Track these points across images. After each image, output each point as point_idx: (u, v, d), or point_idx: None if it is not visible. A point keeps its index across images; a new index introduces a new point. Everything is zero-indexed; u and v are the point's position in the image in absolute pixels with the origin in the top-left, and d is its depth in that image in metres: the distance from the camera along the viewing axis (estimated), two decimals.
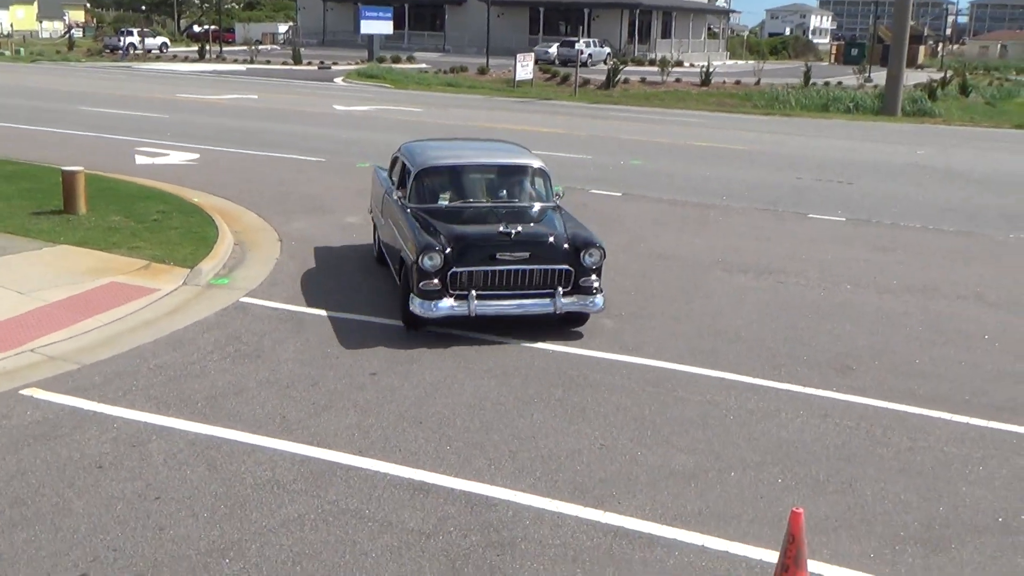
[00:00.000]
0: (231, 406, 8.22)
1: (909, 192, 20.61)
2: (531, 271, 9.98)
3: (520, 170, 11.53)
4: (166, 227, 14.18)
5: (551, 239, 10.14)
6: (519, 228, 10.06)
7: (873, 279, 13.11)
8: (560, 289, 9.99)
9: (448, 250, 9.80)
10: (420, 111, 34.51)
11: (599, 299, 10.13)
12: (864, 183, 21.50)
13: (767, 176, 21.95)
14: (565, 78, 49.82)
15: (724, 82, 51.12)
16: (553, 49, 65.83)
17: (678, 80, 50.91)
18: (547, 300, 9.96)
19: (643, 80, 50.53)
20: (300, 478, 7.02)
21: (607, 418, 8.25)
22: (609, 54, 67.96)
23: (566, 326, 10.43)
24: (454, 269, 9.79)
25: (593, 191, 19.16)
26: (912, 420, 8.41)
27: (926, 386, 9.22)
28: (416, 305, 9.81)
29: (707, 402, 8.67)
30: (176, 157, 21.64)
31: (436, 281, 9.74)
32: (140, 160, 21.06)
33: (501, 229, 10.00)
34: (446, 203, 10.86)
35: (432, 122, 30.74)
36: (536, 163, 11.53)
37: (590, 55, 65.22)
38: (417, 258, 9.71)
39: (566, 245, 10.10)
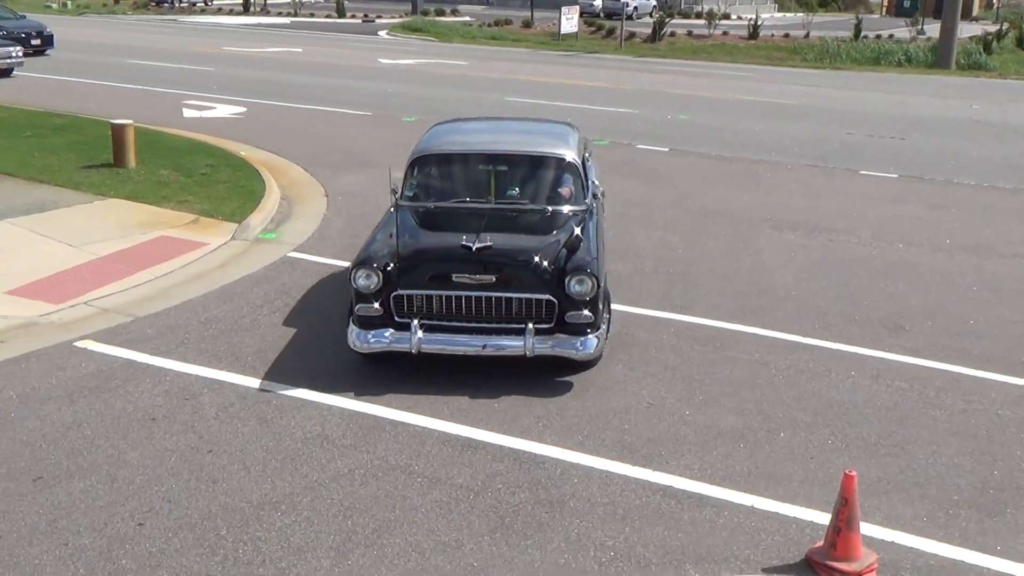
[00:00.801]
0: (281, 360, 8.29)
1: (963, 148, 20.16)
2: (497, 299, 7.81)
3: (541, 162, 9.21)
4: (214, 181, 14.25)
5: (525, 258, 7.86)
6: (488, 242, 7.85)
7: (926, 237, 12.88)
8: (531, 325, 7.72)
9: (390, 266, 7.85)
10: (464, 64, 34.29)
11: (591, 341, 7.82)
12: (917, 138, 21.07)
13: (817, 131, 21.58)
14: (610, 31, 49.17)
15: (772, 35, 50.18)
16: (598, 1, 64.88)
17: (725, 33, 50.07)
18: (518, 338, 7.76)
19: (690, 33, 49.75)
20: (349, 433, 7.07)
21: (655, 377, 8.21)
22: (655, 6, 66.93)
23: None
24: (397, 291, 7.83)
25: (640, 146, 18.96)
26: (966, 382, 8.28)
27: (980, 347, 9.06)
28: (350, 335, 7.92)
29: (756, 361, 8.60)
30: (223, 110, 21.71)
31: (377, 305, 7.82)
32: (187, 113, 21.15)
33: (463, 241, 7.87)
34: (437, 201, 8.98)
35: (476, 75, 30.54)
36: (568, 155, 9.19)
37: (636, 8, 64.29)
38: (350, 275, 7.97)
39: (548, 267, 7.82)
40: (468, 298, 7.80)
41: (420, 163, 9.24)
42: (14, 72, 26.55)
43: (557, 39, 46.22)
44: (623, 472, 6.65)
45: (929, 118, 24.45)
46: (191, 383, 7.82)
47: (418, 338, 7.71)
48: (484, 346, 7.75)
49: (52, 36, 32.30)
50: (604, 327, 8.13)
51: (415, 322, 7.75)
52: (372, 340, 7.80)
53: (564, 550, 5.76)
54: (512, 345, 7.71)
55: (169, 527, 5.86)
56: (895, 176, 16.95)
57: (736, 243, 12.35)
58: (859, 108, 26.00)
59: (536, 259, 7.86)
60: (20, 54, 26.70)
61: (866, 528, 5.90)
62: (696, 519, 6.13)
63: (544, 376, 8.09)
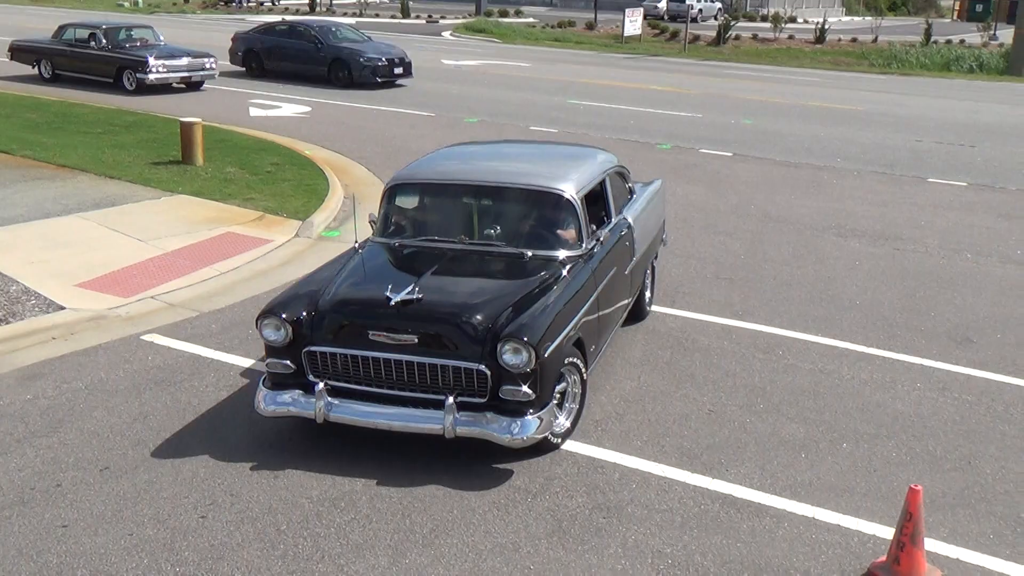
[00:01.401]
0: None
1: None
2: (420, 365, 6.50)
3: (531, 198, 7.69)
4: (279, 179, 14.43)
5: (454, 317, 6.50)
6: (417, 294, 6.56)
7: (996, 248, 12.61)
8: (451, 400, 6.36)
9: (303, 317, 6.72)
10: (527, 66, 34.32)
11: (530, 423, 6.36)
12: (988, 147, 20.64)
13: (884, 138, 21.24)
14: (674, 34, 48.92)
15: (839, 39, 49.52)
16: (662, 4, 64.56)
17: (791, 37, 49.52)
18: (439, 413, 6.44)
19: (755, 36, 49.29)
20: (409, 433, 7.10)
21: (716, 384, 8.14)
22: (720, 9, 66.43)
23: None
24: (309, 347, 6.70)
25: (703, 150, 18.82)
26: None
27: None
28: (257, 393, 6.89)
29: (819, 371, 8.48)
30: (288, 109, 21.98)
31: (288, 362, 6.73)
32: (254, 112, 21.46)
33: (388, 292, 6.60)
34: (405, 239, 7.71)
35: (539, 77, 30.55)
36: (567, 191, 7.53)
37: (700, 10, 63.85)
38: (256, 323, 6.93)
39: (481, 329, 6.41)
40: (386, 361, 6.54)
41: (395, 192, 7.94)
42: (204, 85, 24.97)
43: (620, 41, 46.09)
44: (682, 479, 6.60)
45: (1001, 126, 23.94)
46: (255, 379, 7.92)
47: (324, 404, 6.57)
48: (395, 422, 6.54)
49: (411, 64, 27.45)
50: (554, 405, 6.64)
51: (320, 385, 6.60)
52: (276, 403, 6.74)
53: (621, 556, 5.74)
54: (429, 419, 6.44)
55: (231, 520, 5.95)
56: (964, 184, 16.61)
57: (800, 250, 12.20)
58: (928, 115, 25.54)
59: (467, 318, 6.46)
60: (213, 65, 24.64)
61: (930, 544, 5.79)
62: (755, 529, 6.06)
63: (603, 381, 8.07)
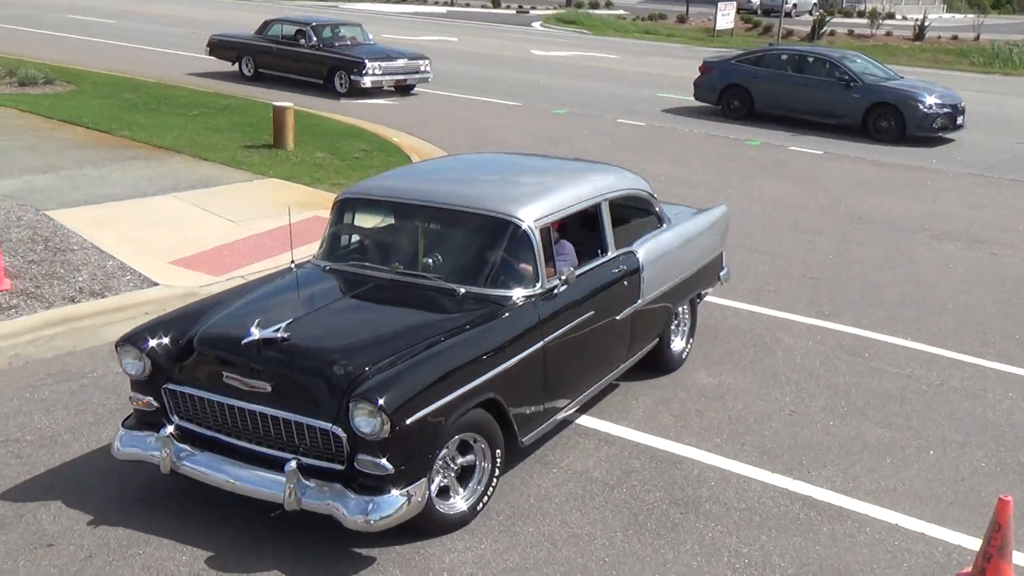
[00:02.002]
0: None
1: None
2: (271, 418, 5.47)
3: (476, 224, 6.47)
4: (367, 165, 14.61)
5: (309, 365, 5.46)
6: (279, 332, 5.51)
7: None
8: (294, 464, 5.30)
9: (165, 346, 5.85)
10: (617, 58, 34.14)
11: (389, 501, 5.22)
12: None
13: (983, 140, 20.63)
14: (767, 28, 48.12)
15: (939, 36, 48.18)
16: None
17: (889, 33, 48.34)
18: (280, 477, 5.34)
19: (851, 32, 48.24)
20: None
21: (799, 384, 8.02)
22: (815, 4, 65.14)
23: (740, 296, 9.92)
24: (167, 384, 5.79)
25: (791, 148, 18.51)
26: None
27: None
28: (117, 435, 5.97)
29: (907, 375, 8.30)
30: (379, 97, 22.21)
31: (151, 399, 5.85)
32: (344, 99, 21.73)
33: (250, 328, 5.55)
34: (335, 263, 6.69)
35: (628, 70, 30.37)
36: (518, 218, 6.28)
37: (795, 4, 62.72)
38: (116, 349, 6.02)
39: (334, 382, 5.33)
40: (240, 410, 5.56)
41: (343, 209, 6.97)
42: (416, 89, 23.40)
43: (712, 35, 45.53)
44: (762, 478, 6.52)
45: None
46: None
47: (172, 451, 5.67)
48: (237, 482, 5.52)
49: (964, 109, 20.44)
50: (434, 481, 5.57)
51: (168, 430, 5.71)
52: (130, 444, 5.86)
53: (697, 553, 5.69)
54: (272, 488, 5.39)
55: None
56: None
57: (890, 251, 11.93)
58: None
59: (326, 368, 5.39)
60: (428, 67, 22.93)
61: (1019, 558, 5.63)
62: (836, 533, 5.96)
63: (684, 376, 8.01)
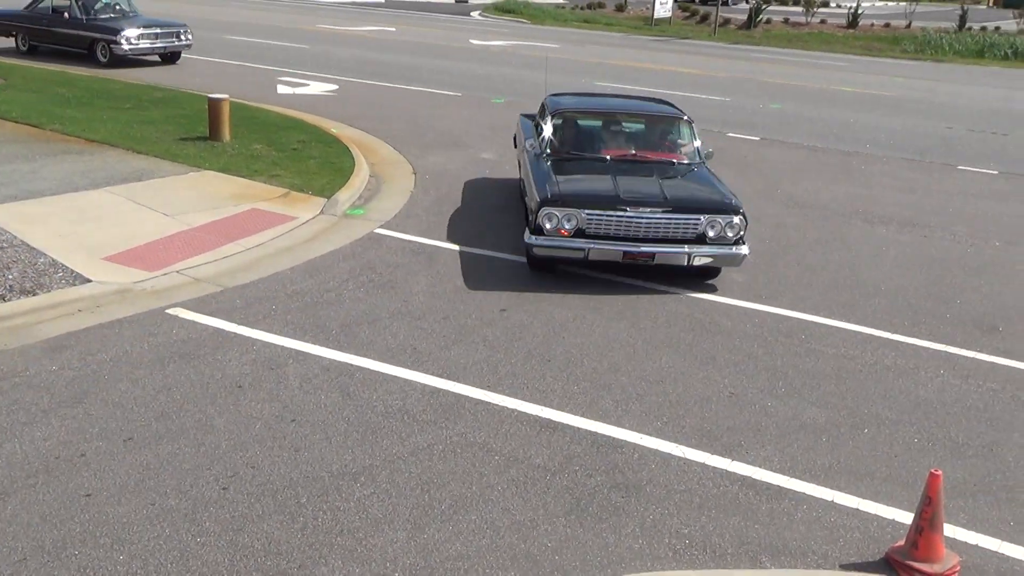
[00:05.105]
0: (364, 335, 8.40)
1: None
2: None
3: None
4: (305, 157, 14.47)
5: None
6: None
7: None
8: None
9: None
10: (556, 47, 34.17)
11: None
12: (1021, 135, 20.38)
13: (915, 124, 21.03)
14: (704, 17, 48.53)
15: (872, 24, 49.01)
16: None
17: (823, 21, 49.04)
18: None
19: (786, 20, 48.86)
20: (430, 409, 7.14)
21: (737, 367, 8.12)
22: None
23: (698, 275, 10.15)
24: None
25: (730, 134, 18.70)
26: None
27: None
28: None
29: (842, 356, 8.44)
30: (316, 87, 22.01)
31: None
32: (281, 90, 21.49)
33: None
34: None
35: (567, 58, 30.40)
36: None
37: None
38: None
39: None
40: None
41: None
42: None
43: (650, 24, 45.78)
44: (702, 460, 6.60)
45: None
46: (277, 354, 7.97)
47: None
48: None
49: None
50: None
51: None
52: None
53: (639, 535, 5.75)
54: None
55: (252, 492, 6.00)
56: (995, 172, 16.44)
57: (825, 235, 12.12)
58: (960, 102, 25.25)
59: None
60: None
61: (949, 530, 5.77)
62: (774, 511, 6.05)
63: (625, 361, 8.07)
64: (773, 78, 28.23)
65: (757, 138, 18.54)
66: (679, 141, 11.43)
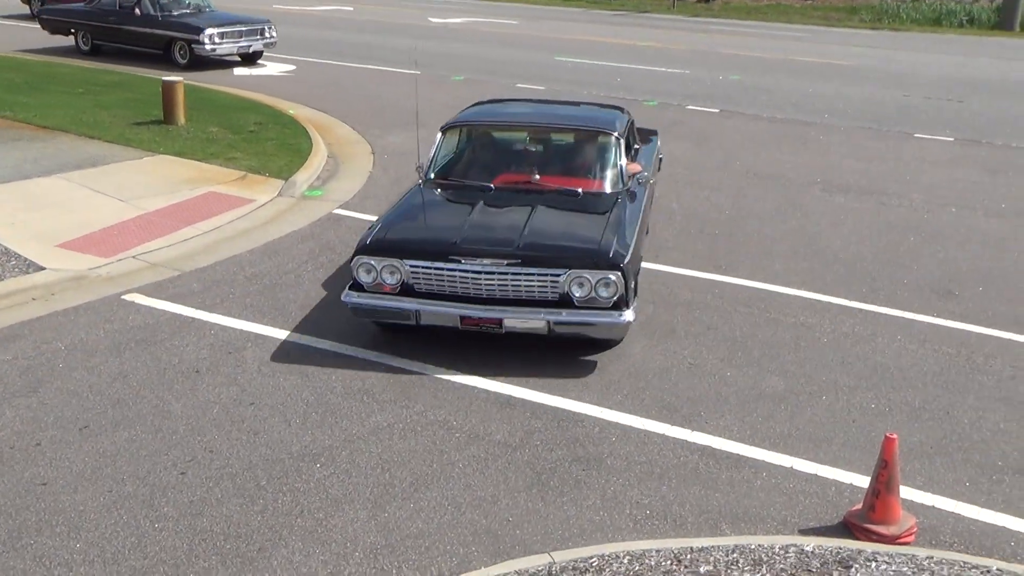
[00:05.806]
0: (324, 316, 8.35)
1: None
2: None
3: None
4: (262, 138, 14.33)
5: None
6: None
7: (981, 202, 12.60)
8: None
9: None
10: (515, 23, 34.02)
11: None
12: (976, 102, 20.56)
13: (872, 94, 21.15)
14: None
15: None
16: None
17: None
18: None
19: None
20: (389, 388, 7.12)
21: (697, 337, 8.15)
22: None
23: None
24: None
25: (689, 107, 18.72)
26: (1016, 348, 8.12)
27: None
28: None
29: (800, 324, 8.50)
30: (273, 68, 21.78)
31: None
32: (238, 71, 21.25)
33: None
34: None
35: (527, 34, 30.28)
36: None
37: None
38: None
39: None
40: None
41: None
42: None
43: None
44: (662, 431, 6.62)
45: (990, 81, 23.83)
46: (235, 337, 7.91)
47: None
48: None
49: None
50: None
51: None
52: None
53: (600, 507, 5.77)
54: None
55: (211, 477, 5.96)
56: (951, 140, 16.57)
57: (784, 205, 12.18)
58: (917, 70, 25.42)
59: None
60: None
61: (906, 492, 5.83)
62: (734, 479, 6.10)
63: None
64: (732, 50, 28.26)
65: (716, 110, 18.57)
66: (596, 164, 8.96)
